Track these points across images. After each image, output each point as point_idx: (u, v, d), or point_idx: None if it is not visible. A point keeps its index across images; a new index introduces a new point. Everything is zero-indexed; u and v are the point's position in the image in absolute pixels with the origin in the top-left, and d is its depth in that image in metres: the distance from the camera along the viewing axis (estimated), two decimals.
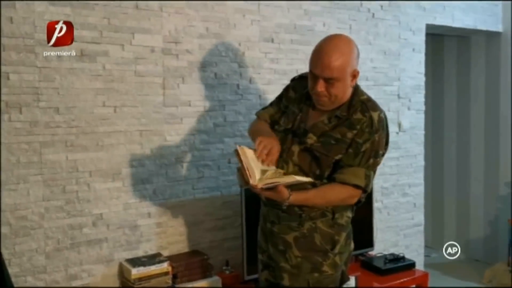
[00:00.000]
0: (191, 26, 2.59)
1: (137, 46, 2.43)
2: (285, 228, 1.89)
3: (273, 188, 1.71)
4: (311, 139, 1.83)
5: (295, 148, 1.85)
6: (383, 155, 1.87)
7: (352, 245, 1.97)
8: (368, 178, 1.80)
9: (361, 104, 1.82)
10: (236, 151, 1.75)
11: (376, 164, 1.84)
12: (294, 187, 1.75)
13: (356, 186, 1.78)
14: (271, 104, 2.09)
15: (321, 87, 1.77)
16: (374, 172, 1.85)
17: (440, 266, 4.20)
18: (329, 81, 1.76)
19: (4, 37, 2.12)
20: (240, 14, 2.74)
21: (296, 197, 1.76)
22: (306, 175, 1.80)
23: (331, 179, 1.81)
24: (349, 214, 1.93)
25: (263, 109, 2.11)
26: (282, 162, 1.84)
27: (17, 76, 2.15)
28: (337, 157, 1.80)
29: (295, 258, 1.86)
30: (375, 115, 1.79)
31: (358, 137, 1.78)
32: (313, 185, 1.80)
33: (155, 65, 2.49)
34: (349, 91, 1.83)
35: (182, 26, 2.56)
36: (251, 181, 1.69)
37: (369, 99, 1.86)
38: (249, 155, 1.75)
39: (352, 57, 1.79)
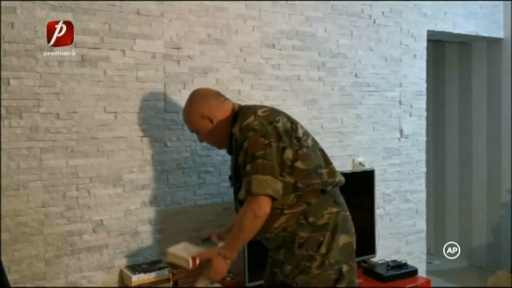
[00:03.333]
0: (193, 32, 2.59)
1: (138, 51, 2.43)
2: (276, 250, 1.99)
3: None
4: (233, 178, 2.01)
5: (241, 195, 1.88)
6: (263, 152, 1.79)
7: (346, 238, 1.92)
8: (249, 183, 1.77)
9: (234, 132, 1.91)
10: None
11: (257, 166, 1.78)
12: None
13: (252, 195, 1.80)
14: None
15: (199, 139, 2.11)
16: (273, 171, 1.78)
17: (442, 273, 4.18)
18: (196, 133, 2.07)
19: (5, 42, 2.11)
20: (241, 20, 2.74)
21: (228, 248, 1.88)
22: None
23: None
24: (331, 209, 1.90)
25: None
26: (238, 205, 1.95)
27: (18, 82, 2.15)
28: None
29: (290, 270, 1.93)
30: (235, 130, 1.88)
31: (238, 155, 1.89)
32: None
33: (156, 71, 2.49)
34: (218, 130, 2.00)
35: (184, 32, 2.56)
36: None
37: (239, 120, 1.90)
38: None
39: (196, 106, 2.00)
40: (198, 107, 2.00)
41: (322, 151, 2.01)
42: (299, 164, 1.85)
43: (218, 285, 2.12)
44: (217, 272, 1.89)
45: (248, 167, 1.79)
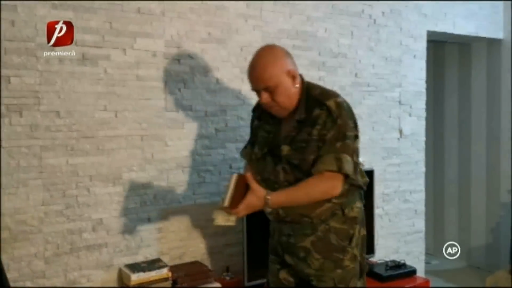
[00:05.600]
0: (193, 31, 2.58)
1: (139, 50, 2.43)
2: (301, 236, 1.91)
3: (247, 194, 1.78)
4: (284, 150, 1.87)
5: (279, 167, 1.88)
6: (355, 137, 1.86)
7: (363, 231, 1.97)
8: (340, 161, 1.78)
9: (316, 100, 1.85)
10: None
11: (347, 146, 1.80)
12: (269, 188, 1.84)
13: (336, 172, 1.78)
14: (248, 141, 2.15)
15: (265, 98, 1.86)
16: (353, 156, 1.82)
17: (441, 273, 4.18)
18: (269, 90, 1.84)
19: (6, 40, 2.11)
20: (242, 19, 2.74)
21: (276, 197, 1.81)
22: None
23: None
24: (358, 204, 1.95)
25: (243, 148, 2.17)
26: (272, 185, 1.88)
27: (18, 80, 2.15)
28: (313, 156, 1.81)
29: (317, 260, 1.89)
30: (330, 103, 1.82)
31: (323, 129, 1.81)
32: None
33: (156, 70, 2.49)
34: (294, 92, 1.87)
35: (184, 31, 2.56)
36: (225, 203, 1.77)
37: (322, 92, 1.89)
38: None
39: (280, 61, 1.85)
40: (282, 62, 1.86)
41: None
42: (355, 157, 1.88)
43: (232, 221, 1.84)
44: (247, 206, 1.80)
45: (338, 144, 1.79)
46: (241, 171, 1.91)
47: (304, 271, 1.92)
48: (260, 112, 2.04)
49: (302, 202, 1.83)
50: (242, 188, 1.81)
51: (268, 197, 1.80)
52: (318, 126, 1.81)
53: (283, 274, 2.02)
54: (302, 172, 1.83)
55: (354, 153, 1.84)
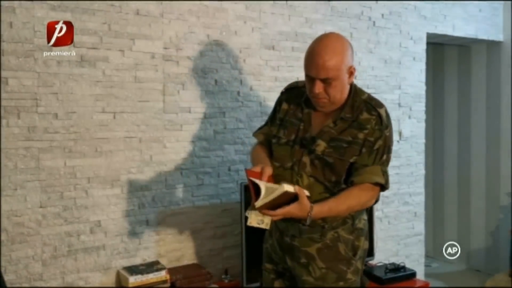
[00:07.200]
0: (192, 33, 2.58)
1: (137, 52, 2.42)
2: (306, 241, 1.83)
3: (292, 201, 1.64)
4: (320, 146, 1.78)
5: (306, 159, 1.79)
6: (392, 148, 1.85)
7: (366, 244, 1.93)
8: (386, 174, 1.78)
9: (365, 104, 1.79)
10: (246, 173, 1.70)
11: (389, 159, 1.81)
12: (309, 199, 1.70)
13: (376, 184, 1.76)
14: (266, 122, 2.04)
15: (319, 88, 1.72)
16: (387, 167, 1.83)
17: (441, 276, 4.17)
18: (326, 81, 1.71)
19: (4, 42, 2.10)
20: (241, 21, 2.73)
21: (319, 210, 1.68)
22: (322, 184, 1.77)
23: (347, 184, 1.77)
24: (365, 216, 1.93)
25: (259, 128, 2.06)
26: (295, 176, 1.79)
27: (16, 81, 2.14)
28: (351, 160, 1.75)
29: (319, 270, 1.82)
30: (382, 112, 1.77)
31: (370, 136, 1.75)
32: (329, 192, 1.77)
33: (155, 71, 2.48)
34: (347, 89, 1.79)
35: (183, 33, 2.55)
36: (255, 203, 1.62)
37: (372, 97, 1.84)
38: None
39: (346, 54, 1.74)
40: (348, 54, 1.75)
41: None
42: None
43: (267, 224, 1.71)
44: (287, 213, 1.64)
45: (384, 156, 1.77)
46: (249, 167, 1.78)
47: (302, 278, 1.84)
48: (290, 95, 1.92)
49: (342, 214, 1.78)
50: (284, 196, 1.63)
51: (312, 212, 1.67)
52: (365, 131, 1.75)
53: (278, 284, 1.96)
54: (333, 171, 1.75)
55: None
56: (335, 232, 1.81)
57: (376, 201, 1.84)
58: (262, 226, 1.70)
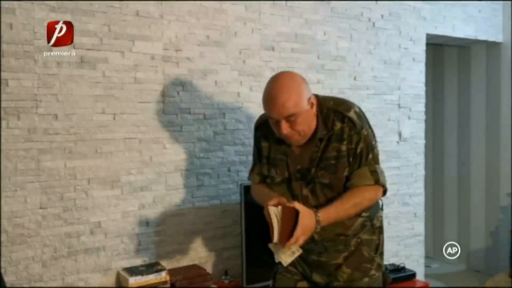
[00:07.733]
0: (192, 34, 2.58)
1: (137, 53, 2.43)
2: (333, 253, 1.89)
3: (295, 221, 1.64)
4: (312, 171, 1.81)
5: (306, 191, 1.83)
6: (375, 143, 1.86)
7: (383, 237, 1.98)
8: (376, 173, 1.78)
9: (334, 113, 1.79)
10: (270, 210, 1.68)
11: (375, 156, 1.82)
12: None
13: (367, 186, 1.77)
14: (254, 161, 2.03)
15: (286, 128, 1.73)
16: (378, 163, 1.84)
17: (440, 277, 4.17)
18: (290, 119, 1.72)
19: (4, 43, 2.11)
20: (241, 22, 2.74)
21: (325, 213, 1.70)
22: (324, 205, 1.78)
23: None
24: (381, 213, 1.96)
25: (251, 171, 2.04)
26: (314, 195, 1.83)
27: (16, 83, 2.14)
28: (346, 173, 1.78)
29: (345, 273, 1.88)
30: (352, 115, 1.78)
31: (350, 144, 1.77)
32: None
33: (155, 73, 2.48)
34: (313, 119, 1.79)
35: (183, 34, 2.55)
36: (274, 239, 1.64)
37: (338, 102, 1.83)
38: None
39: (302, 88, 1.75)
40: (304, 90, 1.76)
41: None
42: None
43: (298, 250, 1.70)
44: (305, 229, 1.64)
45: (370, 156, 1.79)
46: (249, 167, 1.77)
47: (330, 285, 1.91)
48: (265, 131, 1.92)
49: (350, 214, 1.78)
50: (287, 217, 1.65)
51: (318, 214, 1.68)
52: (345, 141, 1.76)
53: (301, 284, 1.98)
54: (332, 190, 1.79)
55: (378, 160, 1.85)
56: (358, 238, 1.88)
57: (384, 192, 1.84)
58: (297, 254, 1.70)
